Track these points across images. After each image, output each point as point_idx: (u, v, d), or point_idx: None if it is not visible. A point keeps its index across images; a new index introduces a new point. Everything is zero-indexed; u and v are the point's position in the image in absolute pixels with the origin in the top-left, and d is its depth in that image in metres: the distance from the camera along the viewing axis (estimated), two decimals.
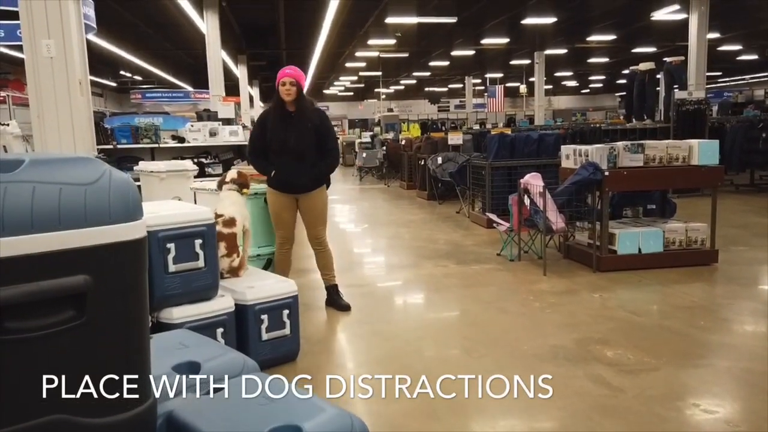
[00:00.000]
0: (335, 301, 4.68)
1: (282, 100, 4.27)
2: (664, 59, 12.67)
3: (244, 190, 3.83)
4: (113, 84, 27.90)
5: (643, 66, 12.09)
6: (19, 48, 6.45)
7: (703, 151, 5.58)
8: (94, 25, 8.04)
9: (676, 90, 11.54)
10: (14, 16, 7.37)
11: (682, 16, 14.72)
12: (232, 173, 3.98)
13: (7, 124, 8.15)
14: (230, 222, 3.66)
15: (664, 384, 3.22)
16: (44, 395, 1.20)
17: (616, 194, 6.06)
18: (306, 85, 25.03)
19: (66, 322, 1.20)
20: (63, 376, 1.22)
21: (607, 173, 5.37)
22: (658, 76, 12.41)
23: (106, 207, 1.24)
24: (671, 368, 3.41)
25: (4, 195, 1.13)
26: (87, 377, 1.26)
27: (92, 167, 1.27)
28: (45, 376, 1.20)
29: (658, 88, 12.52)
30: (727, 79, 33.34)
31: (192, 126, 8.57)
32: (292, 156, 4.29)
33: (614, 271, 5.43)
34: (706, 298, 4.84)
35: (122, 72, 25.54)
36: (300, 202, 4.46)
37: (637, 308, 4.56)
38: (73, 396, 1.24)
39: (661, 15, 15.23)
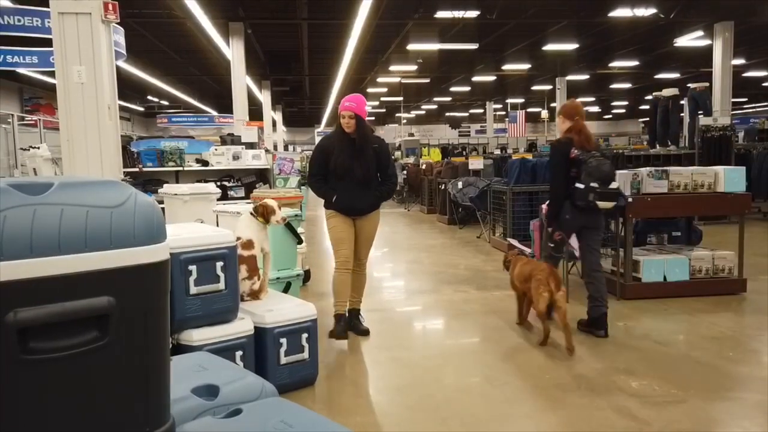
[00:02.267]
0: (355, 326, 4.66)
1: (344, 131, 4.42)
2: (688, 85, 12.59)
3: (259, 218, 3.82)
4: (141, 109, 28.61)
5: (667, 92, 12.02)
6: (52, 74, 6.66)
7: (729, 178, 5.50)
8: (124, 52, 8.30)
9: (700, 116, 11.43)
10: (48, 43, 7.64)
11: (706, 42, 14.68)
12: (264, 202, 3.95)
13: (38, 147, 8.37)
14: (248, 244, 3.68)
15: (691, 417, 3.12)
16: (66, 415, 1.21)
17: (639, 221, 5.98)
18: (328, 110, 25.05)
19: (89, 343, 1.21)
20: (84, 397, 1.23)
21: (630, 199, 5.31)
22: (682, 102, 12.32)
23: (131, 230, 1.26)
24: (699, 400, 3.31)
25: (34, 217, 1.15)
26: (107, 398, 1.26)
27: (118, 191, 1.30)
28: (66, 397, 1.21)
29: (682, 114, 12.41)
30: (754, 105, 32.94)
31: (216, 150, 8.71)
32: (357, 181, 4.41)
33: (639, 300, 5.33)
34: (735, 329, 4.71)
35: (150, 97, 26.21)
36: (357, 223, 4.55)
37: (662, 338, 4.45)
38: (93, 417, 1.25)
39: (685, 41, 15.20)
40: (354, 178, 4.40)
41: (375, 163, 4.49)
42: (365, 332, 4.62)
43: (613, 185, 4.38)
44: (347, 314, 4.61)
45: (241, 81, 13.87)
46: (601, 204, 4.32)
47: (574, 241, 5.44)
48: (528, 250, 6.13)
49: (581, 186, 4.31)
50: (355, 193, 4.43)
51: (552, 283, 4.12)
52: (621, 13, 13.22)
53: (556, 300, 4.10)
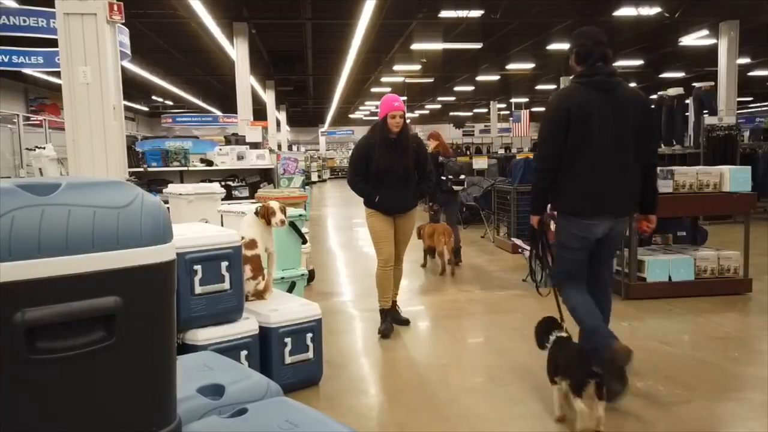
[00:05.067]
0: (395, 317, 4.79)
1: (388, 130, 4.46)
2: (693, 84, 12.53)
3: (261, 219, 3.83)
4: (145, 109, 28.68)
5: (672, 91, 11.98)
6: (57, 74, 6.68)
7: (734, 178, 5.47)
8: (129, 52, 8.31)
9: (705, 115, 11.38)
10: (53, 43, 7.67)
11: (711, 41, 14.62)
12: (265, 204, 3.95)
13: (44, 148, 8.40)
14: (251, 244, 3.68)
15: (696, 417, 3.11)
16: (72, 415, 1.22)
17: None
18: (332, 109, 24.99)
19: (96, 343, 1.21)
20: (91, 397, 1.23)
21: None
22: (687, 101, 12.27)
23: (138, 230, 1.27)
24: (704, 401, 3.30)
25: (42, 217, 1.16)
26: (114, 398, 1.27)
27: (125, 191, 1.30)
28: (73, 396, 1.21)
29: (687, 114, 12.37)
30: (759, 104, 32.78)
31: (220, 150, 8.73)
32: (398, 181, 4.49)
33: (643, 300, 5.31)
34: (740, 329, 4.69)
35: (154, 97, 26.26)
36: (396, 221, 4.64)
37: (667, 338, 4.44)
38: (99, 416, 1.25)
39: (690, 40, 15.14)
40: (395, 177, 4.47)
41: (414, 162, 4.57)
42: (405, 322, 4.82)
43: (461, 177, 7.43)
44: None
45: (245, 81, 13.88)
46: (455, 187, 7.30)
47: None
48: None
49: (444, 178, 7.15)
50: (397, 192, 4.51)
51: (446, 235, 6.74)
52: (626, 12, 13.17)
53: (448, 243, 6.70)
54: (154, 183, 8.07)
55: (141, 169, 7.93)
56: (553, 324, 3.27)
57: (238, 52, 13.74)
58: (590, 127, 3.16)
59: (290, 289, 4.58)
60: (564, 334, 3.20)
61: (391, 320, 4.71)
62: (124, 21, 5.09)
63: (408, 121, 4.78)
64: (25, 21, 8.15)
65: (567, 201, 3.29)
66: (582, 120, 3.16)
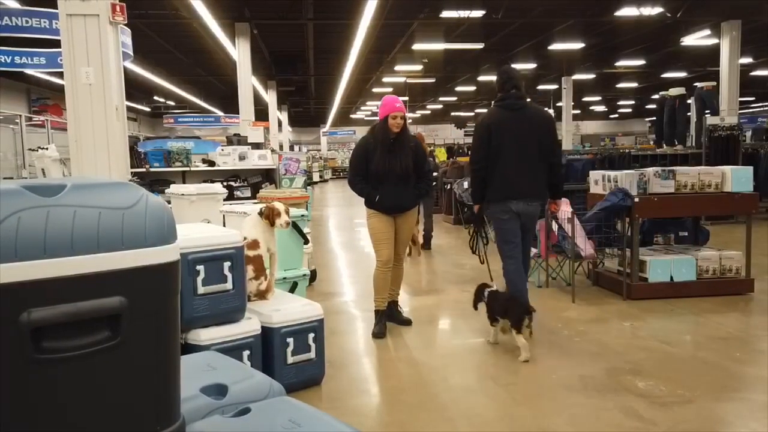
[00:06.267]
0: (396, 317, 4.83)
1: (388, 131, 4.52)
2: (695, 84, 12.51)
3: (265, 220, 3.83)
4: (147, 109, 28.71)
5: (674, 91, 11.97)
6: (60, 75, 6.70)
7: (736, 178, 5.48)
8: (131, 53, 8.33)
9: (707, 115, 11.37)
10: (55, 44, 7.69)
11: (713, 41, 14.61)
12: (270, 204, 3.96)
13: (46, 148, 8.42)
14: (253, 244, 3.69)
15: (697, 417, 3.12)
16: (78, 414, 1.23)
17: (646, 221, 5.96)
18: (333, 110, 25.01)
19: (101, 343, 1.22)
20: (96, 396, 1.24)
21: (637, 199, 5.30)
22: (689, 101, 12.26)
23: (143, 231, 1.28)
24: (705, 401, 3.30)
25: (47, 218, 1.17)
26: (119, 397, 1.28)
27: (130, 192, 1.31)
28: (79, 396, 1.22)
29: (689, 114, 12.36)
30: (761, 104, 32.75)
31: (222, 150, 8.73)
32: (398, 180, 4.55)
33: (645, 300, 5.31)
34: (742, 329, 4.69)
35: (156, 97, 26.29)
36: (397, 221, 4.68)
37: (669, 338, 4.44)
38: (104, 416, 1.26)
39: (692, 40, 15.13)
40: (395, 177, 4.52)
41: (413, 161, 4.61)
42: (407, 322, 4.85)
43: (434, 174, 8.57)
44: (387, 307, 4.79)
45: (247, 81, 13.90)
46: None
47: (581, 242, 5.45)
48: (534, 251, 6.12)
49: None
50: (396, 192, 4.57)
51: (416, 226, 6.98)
52: (627, 12, 13.16)
53: (417, 233, 7.67)
54: (156, 183, 8.08)
55: (143, 170, 7.94)
56: (484, 286, 4.39)
57: (239, 52, 13.76)
58: (504, 139, 4.29)
59: (292, 290, 4.59)
60: (493, 288, 4.36)
61: (386, 321, 4.73)
62: (126, 22, 5.11)
63: (409, 121, 4.82)
64: (27, 22, 8.16)
65: (493, 192, 4.40)
66: (498, 134, 4.31)
